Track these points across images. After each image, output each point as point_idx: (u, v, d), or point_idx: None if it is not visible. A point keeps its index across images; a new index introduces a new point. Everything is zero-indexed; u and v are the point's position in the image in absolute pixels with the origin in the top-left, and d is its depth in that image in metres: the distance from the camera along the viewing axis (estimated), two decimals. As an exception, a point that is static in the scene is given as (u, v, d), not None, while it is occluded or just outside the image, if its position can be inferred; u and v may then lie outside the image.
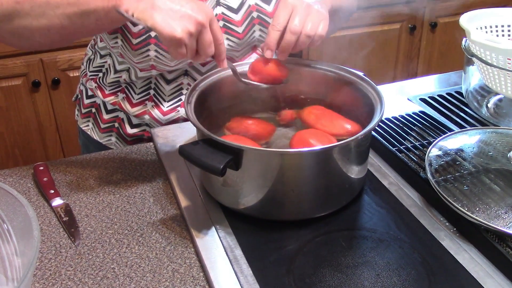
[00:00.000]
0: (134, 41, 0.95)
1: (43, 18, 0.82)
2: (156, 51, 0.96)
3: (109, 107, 1.10)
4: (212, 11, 0.78)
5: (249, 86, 0.91)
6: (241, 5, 1.00)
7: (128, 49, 0.97)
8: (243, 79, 0.90)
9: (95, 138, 1.14)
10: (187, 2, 0.75)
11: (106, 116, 1.11)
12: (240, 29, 1.01)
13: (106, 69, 1.08)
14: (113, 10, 0.77)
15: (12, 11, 0.82)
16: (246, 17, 1.01)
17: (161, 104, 1.06)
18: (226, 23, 1.00)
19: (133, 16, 0.75)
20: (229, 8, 1.00)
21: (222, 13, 1.00)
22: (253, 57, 1.07)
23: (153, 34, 0.95)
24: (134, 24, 0.94)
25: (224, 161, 0.72)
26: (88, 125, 1.15)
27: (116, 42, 0.99)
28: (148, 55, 0.97)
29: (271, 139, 0.90)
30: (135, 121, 1.08)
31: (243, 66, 0.93)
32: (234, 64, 0.90)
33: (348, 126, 0.87)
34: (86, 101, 1.13)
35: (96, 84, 1.10)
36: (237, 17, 1.00)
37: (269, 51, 0.86)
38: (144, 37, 0.95)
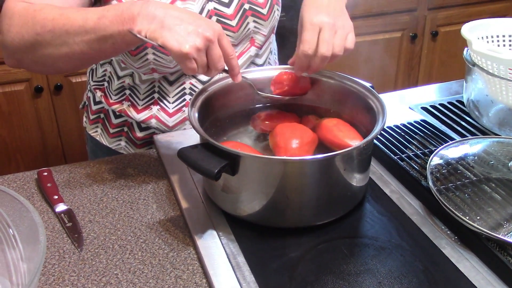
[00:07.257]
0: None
1: (64, 47, 0.85)
2: (154, 54, 0.98)
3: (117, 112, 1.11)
4: (220, 27, 0.80)
5: (267, 99, 0.93)
6: None
7: (128, 56, 1.00)
8: (260, 93, 0.91)
9: (104, 143, 1.15)
10: (194, 20, 0.79)
11: (115, 121, 1.12)
12: (233, 23, 1.03)
13: (109, 77, 1.09)
14: (128, 33, 0.80)
15: (33, 42, 0.86)
16: (238, 9, 1.03)
17: (166, 106, 1.07)
18: (219, 18, 1.02)
19: (145, 37, 0.79)
20: (221, 2, 1.02)
21: (214, 8, 1.02)
22: (252, 50, 1.08)
23: None
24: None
25: (219, 166, 0.73)
26: (96, 131, 1.16)
27: None
28: (147, 59, 0.99)
29: None
30: (143, 124, 1.10)
31: (253, 73, 0.95)
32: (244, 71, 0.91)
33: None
34: (94, 107, 1.15)
35: (102, 93, 1.12)
36: (229, 11, 1.02)
37: (300, 72, 0.90)
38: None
